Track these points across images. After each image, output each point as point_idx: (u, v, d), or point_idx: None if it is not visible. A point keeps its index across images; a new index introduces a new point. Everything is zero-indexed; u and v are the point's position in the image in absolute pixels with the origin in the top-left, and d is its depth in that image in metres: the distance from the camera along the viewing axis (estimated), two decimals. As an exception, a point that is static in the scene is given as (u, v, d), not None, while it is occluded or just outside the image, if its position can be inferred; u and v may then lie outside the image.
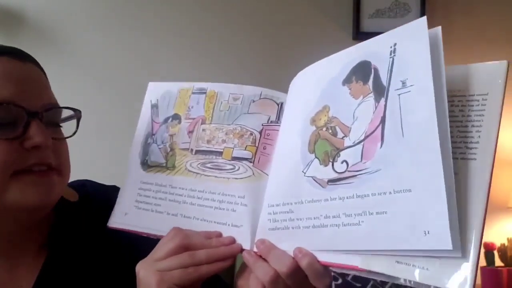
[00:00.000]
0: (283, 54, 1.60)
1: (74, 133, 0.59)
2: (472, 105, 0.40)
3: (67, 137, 0.58)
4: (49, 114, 0.54)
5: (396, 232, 0.38)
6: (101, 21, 1.61)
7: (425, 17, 0.40)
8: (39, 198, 0.52)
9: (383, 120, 0.41)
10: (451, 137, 0.38)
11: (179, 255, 0.49)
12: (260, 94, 0.60)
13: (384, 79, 0.42)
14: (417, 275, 0.37)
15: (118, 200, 0.63)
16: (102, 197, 0.65)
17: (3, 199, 0.50)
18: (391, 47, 0.42)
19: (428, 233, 0.36)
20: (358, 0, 1.59)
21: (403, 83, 0.40)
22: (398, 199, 0.38)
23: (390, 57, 0.41)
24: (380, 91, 0.42)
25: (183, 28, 1.65)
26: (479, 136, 0.38)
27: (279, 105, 0.58)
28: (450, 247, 0.34)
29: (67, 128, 0.59)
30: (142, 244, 0.56)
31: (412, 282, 0.36)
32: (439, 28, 0.39)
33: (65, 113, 0.59)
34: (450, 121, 0.38)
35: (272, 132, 0.57)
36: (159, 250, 0.50)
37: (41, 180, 0.52)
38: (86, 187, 0.66)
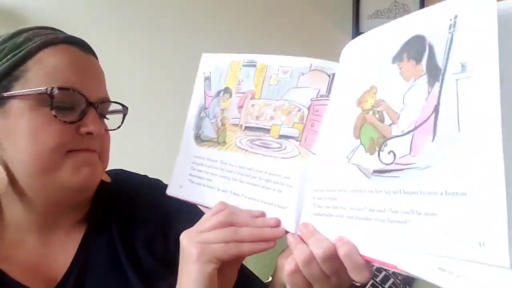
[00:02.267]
0: (283, 54, 1.52)
1: (119, 127, 0.63)
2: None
3: (113, 130, 0.62)
4: (102, 107, 0.59)
5: (446, 237, 0.34)
6: (102, 21, 1.57)
7: (494, -17, 0.32)
8: (87, 176, 0.55)
9: (436, 110, 0.35)
10: None
11: (222, 229, 0.50)
12: (310, 66, 0.55)
13: (440, 60, 0.35)
14: (459, 286, 0.33)
15: (174, 171, 0.65)
16: (134, 184, 0.69)
17: (57, 176, 0.54)
18: (450, 20, 0.35)
19: (483, 244, 0.31)
20: (358, 1, 1.58)
21: (463, 66, 0.33)
22: (450, 202, 0.33)
23: (449, 32, 0.35)
24: (434, 73, 0.36)
25: (182, 26, 1.61)
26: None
27: (331, 77, 0.53)
28: (507, 264, 0.30)
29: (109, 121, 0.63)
30: (175, 223, 0.58)
31: None
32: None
33: (111, 107, 0.63)
34: None
35: (321, 107, 0.53)
36: (204, 223, 0.52)
37: (90, 159, 0.56)
38: (119, 175, 0.69)
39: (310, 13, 1.61)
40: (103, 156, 0.59)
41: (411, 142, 0.37)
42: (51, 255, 0.59)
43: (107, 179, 0.65)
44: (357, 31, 1.60)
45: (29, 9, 1.57)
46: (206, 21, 1.62)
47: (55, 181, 0.54)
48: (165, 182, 0.71)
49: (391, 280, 1.10)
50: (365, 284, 1.04)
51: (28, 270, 0.57)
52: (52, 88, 0.53)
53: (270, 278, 1.19)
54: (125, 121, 0.65)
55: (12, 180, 0.55)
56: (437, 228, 0.34)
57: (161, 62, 1.62)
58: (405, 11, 1.58)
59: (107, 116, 0.62)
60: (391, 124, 0.40)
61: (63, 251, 0.60)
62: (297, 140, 0.53)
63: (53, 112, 0.53)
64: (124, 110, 0.64)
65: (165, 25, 1.63)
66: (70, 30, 0.62)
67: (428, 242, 0.35)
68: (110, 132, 0.63)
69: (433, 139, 0.35)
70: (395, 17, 1.57)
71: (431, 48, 0.36)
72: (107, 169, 0.64)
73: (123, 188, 0.67)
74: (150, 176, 0.74)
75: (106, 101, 0.60)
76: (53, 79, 0.54)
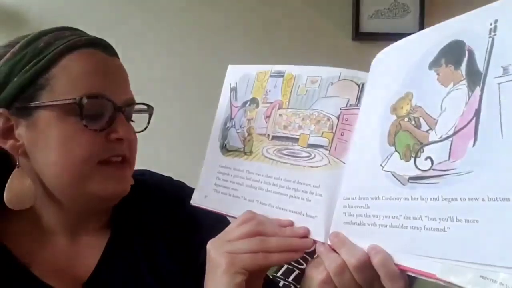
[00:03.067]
0: (283, 55, 1.55)
1: (145, 128, 0.62)
2: None
3: (140, 131, 0.60)
4: (129, 109, 0.58)
5: (487, 245, 0.33)
6: (102, 21, 1.56)
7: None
8: (116, 189, 0.56)
9: (477, 114, 0.35)
10: None
11: (250, 239, 0.49)
12: (339, 76, 0.55)
13: (480, 64, 0.35)
14: None
15: (199, 181, 0.65)
16: (158, 186, 0.68)
17: (86, 187, 0.54)
18: (491, 24, 0.35)
19: (528, 251, 0.30)
20: (358, 1, 1.58)
21: (505, 69, 0.33)
22: (493, 208, 0.33)
23: (490, 37, 0.35)
24: (475, 78, 0.35)
25: (182, 26, 1.61)
26: None
27: (360, 86, 0.53)
28: None
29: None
30: (201, 228, 0.57)
31: None
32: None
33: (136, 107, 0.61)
34: None
35: (350, 116, 0.53)
36: (231, 232, 0.51)
37: (118, 173, 0.56)
38: (145, 176, 0.69)
39: (310, 13, 1.61)
40: (131, 159, 0.58)
41: (450, 147, 0.37)
42: (78, 257, 0.59)
43: (132, 182, 0.65)
44: (357, 31, 1.58)
45: (29, 9, 1.54)
46: (204, 20, 1.62)
47: (85, 191, 0.54)
48: (189, 184, 0.71)
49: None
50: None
51: (55, 271, 0.57)
52: (81, 97, 0.52)
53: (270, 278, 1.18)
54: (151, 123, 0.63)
55: (44, 187, 0.55)
56: (478, 235, 0.34)
57: (166, 63, 1.61)
58: (405, 11, 1.57)
59: (133, 117, 0.62)
60: (428, 130, 0.39)
61: (89, 253, 0.60)
62: (326, 149, 0.53)
63: (84, 122, 0.52)
64: (150, 110, 0.62)
65: (167, 24, 1.62)
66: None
67: (469, 250, 0.34)
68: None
69: (474, 144, 0.35)
70: (395, 17, 1.53)
71: (470, 53, 0.36)
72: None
73: (147, 190, 0.67)
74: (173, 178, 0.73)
75: (133, 103, 0.59)
76: (80, 86, 0.52)
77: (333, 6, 1.61)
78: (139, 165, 0.65)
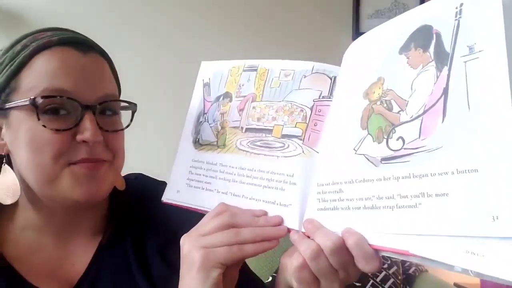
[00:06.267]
0: (283, 54, 1.57)
1: (127, 126, 0.59)
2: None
3: (119, 130, 0.57)
4: (103, 106, 0.54)
5: (458, 216, 0.34)
6: (102, 20, 1.57)
7: (498, -30, 0.34)
8: (87, 193, 0.52)
9: (445, 92, 0.36)
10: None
11: (224, 231, 0.48)
12: (312, 69, 0.57)
13: (447, 45, 0.37)
14: (477, 264, 0.33)
15: (171, 177, 0.64)
16: (152, 189, 0.66)
17: (57, 188, 0.52)
18: (456, 8, 0.37)
19: (497, 218, 0.31)
20: (358, 1, 1.61)
21: (470, 48, 0.35)
22: (462, 180, 0.34)
23: (456, 19, 0.36)
24: (442, 58, 0.37)
25: (187, 27, 1.62)
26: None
27: (332, 79, 0.55)
28: None
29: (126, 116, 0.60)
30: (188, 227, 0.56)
31: (472, 272, 0.32)
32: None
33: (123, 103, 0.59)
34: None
35: (323, 108, 0.54)
36: (205, 225, 0.50)
37: (91, 174, 0.52)
38: (138, 180, 0.68)
39: (310, 13, 1.63)
40: (113, 159, 0.56)
41: (421, 126, 0.38)
42: (69, 259, 0.58)
43: (122, 186, 0.61)
44: (357, 31, 1.61)
45: (29, 9, 1.53)
46: (205, 19, 1.63)
47: (57, 191, 0.52)
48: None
49: (391, 280, 1.08)
50: (365, 284, 1.02)
51: (44, 272, 0.56)
52: (35, 97, 0.50)
53: (270, 278, 1.15)
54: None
55: (25, 185, 0.55)
56: (449, 208, 0.35)
57: (165, 63, 1.61)
58: (406, 10, 1.63)
59: (121, 112, 0.59)
60: (399, 111, 0.40)
61: (81, 255, 0.59)
62: (300, 139, 0.54)
63: (41, 122, 0.50)
64: (133, 107, 0.60)
65: (167, 25, 1.62)
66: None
67: (439, 223, 0.35)
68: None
69: (443, 120, 0.36)
70: (395, 17, 1.61)
71: (438, 36, 0.38)
72: (127, 171, 0.63)
73: (140, 195, 0.65)
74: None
75: (106, 100, 0.55)
76: (40, 86, 0.51)
77: (333, 6, 1.64)
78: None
